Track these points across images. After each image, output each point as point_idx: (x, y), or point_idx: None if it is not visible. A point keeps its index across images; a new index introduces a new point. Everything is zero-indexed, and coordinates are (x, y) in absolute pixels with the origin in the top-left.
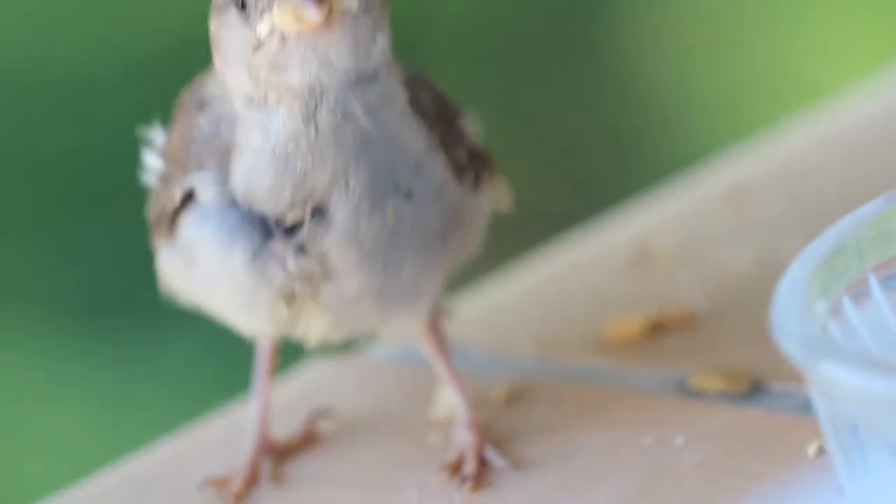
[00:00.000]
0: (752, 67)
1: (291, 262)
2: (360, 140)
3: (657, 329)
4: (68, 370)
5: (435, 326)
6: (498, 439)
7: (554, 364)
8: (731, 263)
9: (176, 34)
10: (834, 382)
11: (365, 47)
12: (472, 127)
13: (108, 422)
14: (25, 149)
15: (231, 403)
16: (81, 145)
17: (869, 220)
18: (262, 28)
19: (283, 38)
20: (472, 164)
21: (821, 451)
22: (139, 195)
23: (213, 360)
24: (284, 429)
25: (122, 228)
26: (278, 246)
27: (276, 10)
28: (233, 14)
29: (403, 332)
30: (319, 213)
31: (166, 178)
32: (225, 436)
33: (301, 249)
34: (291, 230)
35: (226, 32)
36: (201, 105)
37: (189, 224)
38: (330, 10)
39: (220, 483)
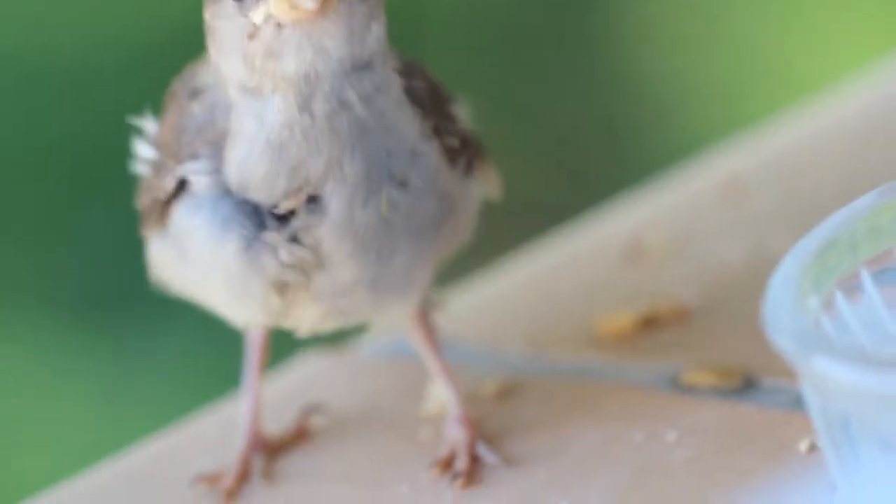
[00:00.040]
0: (749, 57)
1: (284, 252)
2: (355, 128)
3: (649, 324)
4: (66, 365)
5: (425, 317)
6: (489, 435)
7: (545, 359)
8: (725, 258)
9: (178, 21)
10: (826, 377)
11: (360, 35)
12: (464, 113)
13: (107, 416)
14: (26, 139)
15: (228, 397)
16: (82, 134)
17: (862, 215)
18: (257, 16)
19: (279, 26)
20: (464, 151)
21: (813, 448)
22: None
23: (212, 355)
24: (276, 424)
25: (120, 221)
26: (271, 235)
27: None
28: (228, 3)
29: (394, 321)
30: (313, 201)
31: (158, 167)
32: (218, 431)
33: (294, 238)
34: (285, 219)
35: (221, 21)
36: (194, 93)
37: (181, 213)
38: None
39: (211, 479)
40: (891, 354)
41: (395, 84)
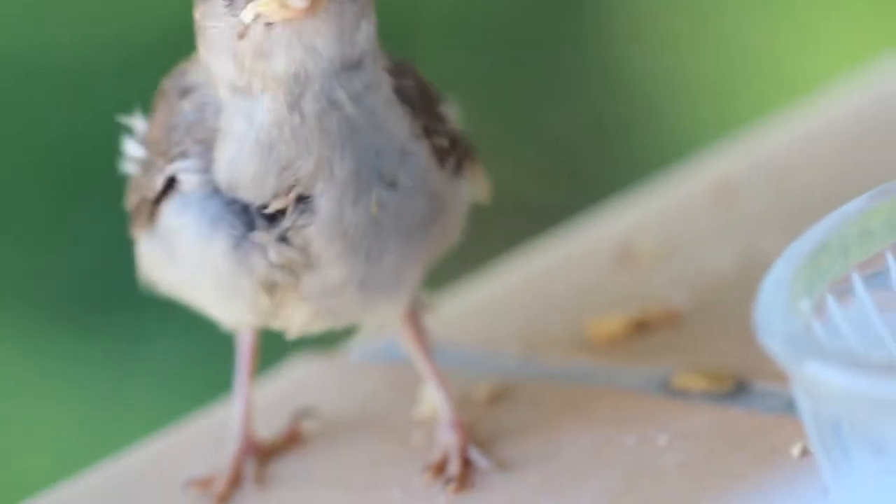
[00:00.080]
0: (739, 57)
1: (273, 252)
2: (345, 128)
3: (641, 328)
4: (57, 368)
5: (416, 320)
6: (481, 439)
7: (537, 363)
8: (716, 261)
9: (177, 21)
10: (817, 382)
11: (350, 34)
12: (453, 113)
13: (98, 420)
14: (22, 139)
15: (219, 401)
16: (79, 134)
17: (853, 218)
18: (247, 15)
19: (268, 25)
20: (453, 151)
21: (804, 452)
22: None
23: (204, 358)
24: (268, 428)
25: (113, 222)
26: (261, 235)
27: None
28: (218, 2)
29: (384, 322)
30: (303, 201)
31: (147, 166)
32: (209, 435)
33: (283, 238)
34: (274, 219)
35: (210, 21)
36: (184, 92)
37: (170, 212)
38: None
39: (203, 483)
40: (882, 358)
41: (385, 83)
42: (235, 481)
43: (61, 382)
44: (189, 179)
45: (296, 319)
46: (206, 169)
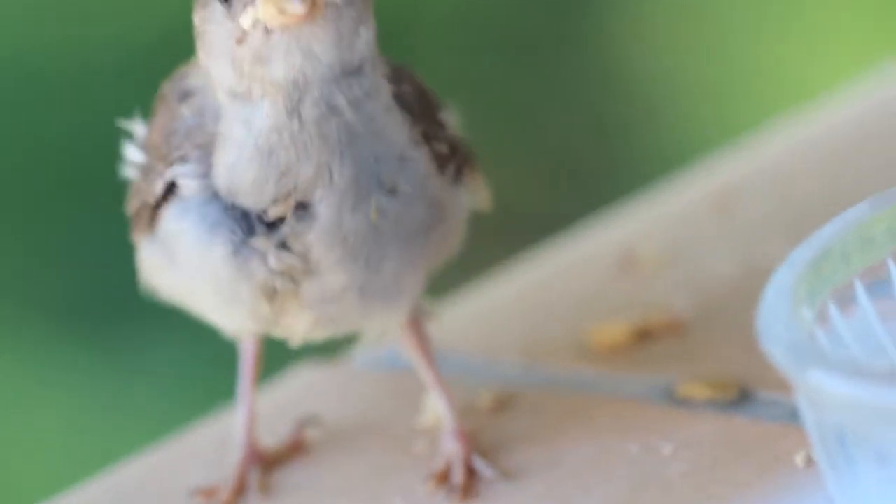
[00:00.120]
0: (742, 61)
1: (273, 258)
2: (344, 134)
3: (644, 336)
4: (59, 377)
5: (418, 327)
6: (484, 448)
7: (539, 371)
8: (719, 268)
9: (177, 22)
10: (821, 390)
11: (349, 40)
12: (453, 119)
13: (101, 429)
14: (21, 141)
15: (222, 410)
16: (79, 136)
17: (855, 225)
18: (246, 20)
19: (267, 31)
20: (453, 157)
21: (809, 461)
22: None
23: (207, 367)
24: (272, 436)
25: (115, 229)
26: (260, 241)
27: (259, 2)
28: (217, 7)
29: (385, 330)
30: (302, 207)
31: (147, 171)
32: (213, 444)
33: (283, 245)
34: (274, 225)
35: (210, 25)
36: (184, 96)
37: (170, 217)
38: (313, 3)
39: (208, 493)
40: (885, 367)
41: (385, 89)
42: (240, 490)
43: (61, 391)
44: (189, 184)
45: (297, 327)
46: (206, 174)
